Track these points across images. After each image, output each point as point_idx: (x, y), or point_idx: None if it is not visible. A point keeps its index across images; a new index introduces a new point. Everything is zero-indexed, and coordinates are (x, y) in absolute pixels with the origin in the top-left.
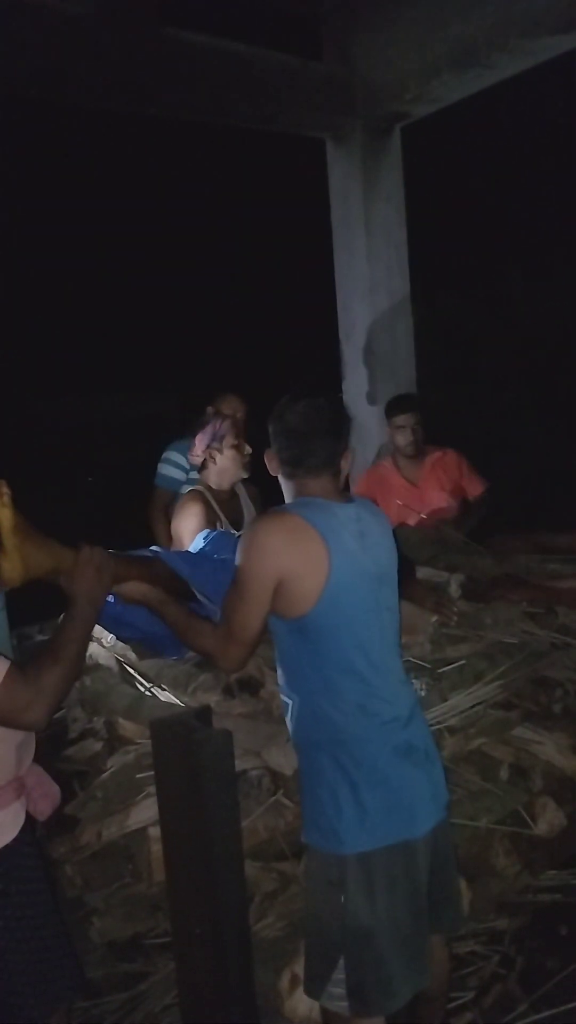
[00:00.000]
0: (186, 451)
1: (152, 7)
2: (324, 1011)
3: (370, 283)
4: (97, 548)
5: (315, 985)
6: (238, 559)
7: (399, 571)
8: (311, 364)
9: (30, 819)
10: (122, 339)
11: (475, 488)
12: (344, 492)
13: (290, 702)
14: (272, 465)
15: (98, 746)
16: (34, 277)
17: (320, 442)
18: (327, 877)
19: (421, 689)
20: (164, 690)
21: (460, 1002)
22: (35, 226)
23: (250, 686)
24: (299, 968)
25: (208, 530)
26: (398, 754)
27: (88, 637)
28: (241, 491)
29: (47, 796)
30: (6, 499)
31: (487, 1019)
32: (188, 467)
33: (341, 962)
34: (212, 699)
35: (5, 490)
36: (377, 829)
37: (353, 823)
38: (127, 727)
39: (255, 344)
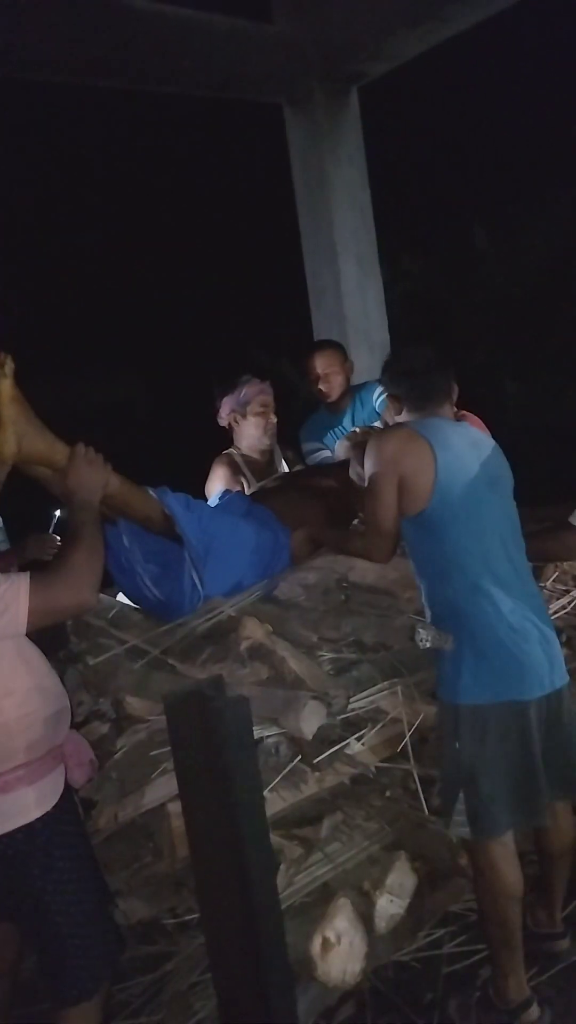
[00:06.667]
0: None
1: None
2: (463, 840)
3: (337, 248)
4: (91, 447)
5: (445, 817)
6: (367, 468)
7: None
8: (283, 332)
9: (68, 786)
10: (83, 316)
11: None
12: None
13: (421, 585)
14: (395, 408)
15: (105, 728)
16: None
17: (438, 377)
18: (446, 726)
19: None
20: (172, 664)
21: None
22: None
23: (260, 654)
24: (330, 932)
25: (225, 490)
26: (512, 630)
27: (97, 519)
28: (278, 455)
29: (82, 764)
30: (8, 370)
31: None
32: None
33: (461, 795)
34: (223, 669)
35: (9, 362)
36: (488, 687)
37: (468, 680)
38: (135, 705)
39: (225, 315)
